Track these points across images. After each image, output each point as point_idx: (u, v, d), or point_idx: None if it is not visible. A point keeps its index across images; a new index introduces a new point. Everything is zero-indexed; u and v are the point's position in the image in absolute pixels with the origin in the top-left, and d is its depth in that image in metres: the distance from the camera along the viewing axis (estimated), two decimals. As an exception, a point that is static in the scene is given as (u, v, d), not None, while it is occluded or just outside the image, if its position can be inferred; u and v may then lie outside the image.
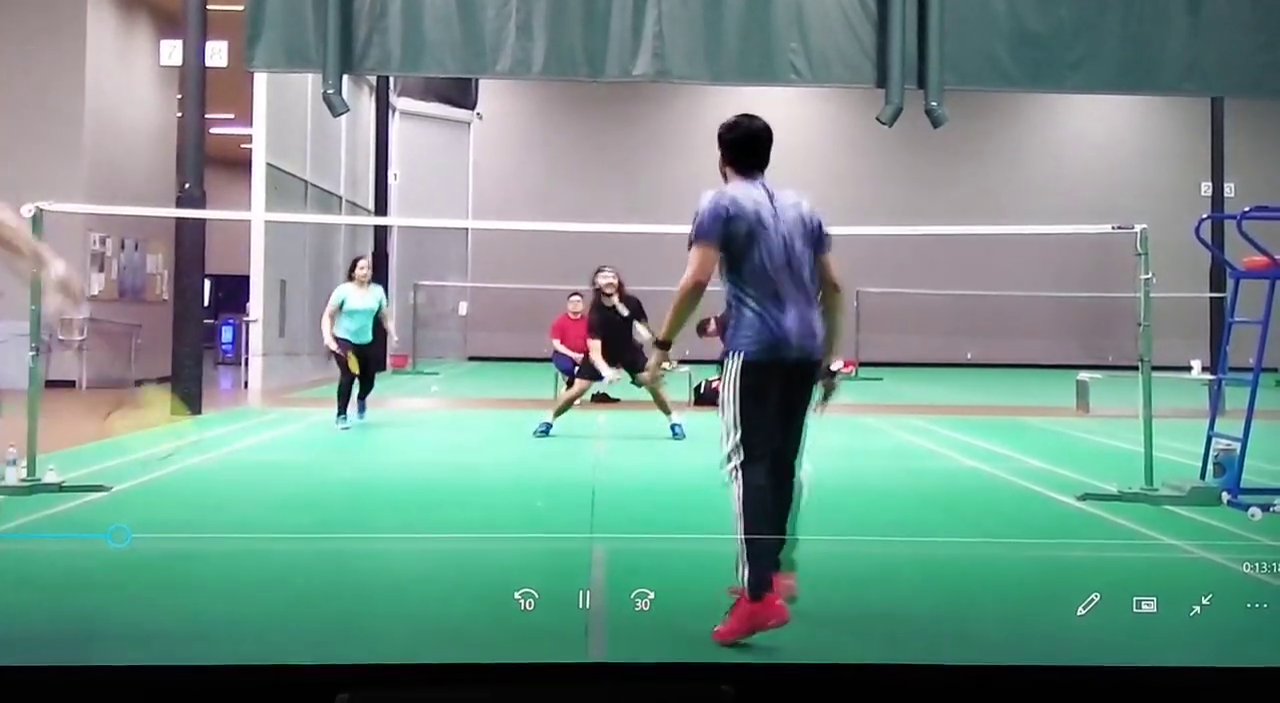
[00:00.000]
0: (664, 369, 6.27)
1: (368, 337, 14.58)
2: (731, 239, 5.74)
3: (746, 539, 5.49)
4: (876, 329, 28.89)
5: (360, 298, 14.46)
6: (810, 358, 5.79)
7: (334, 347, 14.33)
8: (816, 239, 5.94)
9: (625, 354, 13.24)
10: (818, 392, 5.94)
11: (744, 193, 5.84)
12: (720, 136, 6.03)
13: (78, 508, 8.67)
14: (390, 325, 15.09)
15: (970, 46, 17.08)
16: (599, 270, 13.71)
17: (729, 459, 5.66)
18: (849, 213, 30.43)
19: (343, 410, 14.49)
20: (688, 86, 28.75)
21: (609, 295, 13.45)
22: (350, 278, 14.69)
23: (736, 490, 5.59)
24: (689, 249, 5.79)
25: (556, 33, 16.91)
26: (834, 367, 6.01)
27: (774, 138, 6.04)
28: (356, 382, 14.55)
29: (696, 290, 5.74)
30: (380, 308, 14.67)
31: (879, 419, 12.99)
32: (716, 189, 5.89)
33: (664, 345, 6.04)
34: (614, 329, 13.36)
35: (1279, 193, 23.89)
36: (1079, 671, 4.12)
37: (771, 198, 5.89)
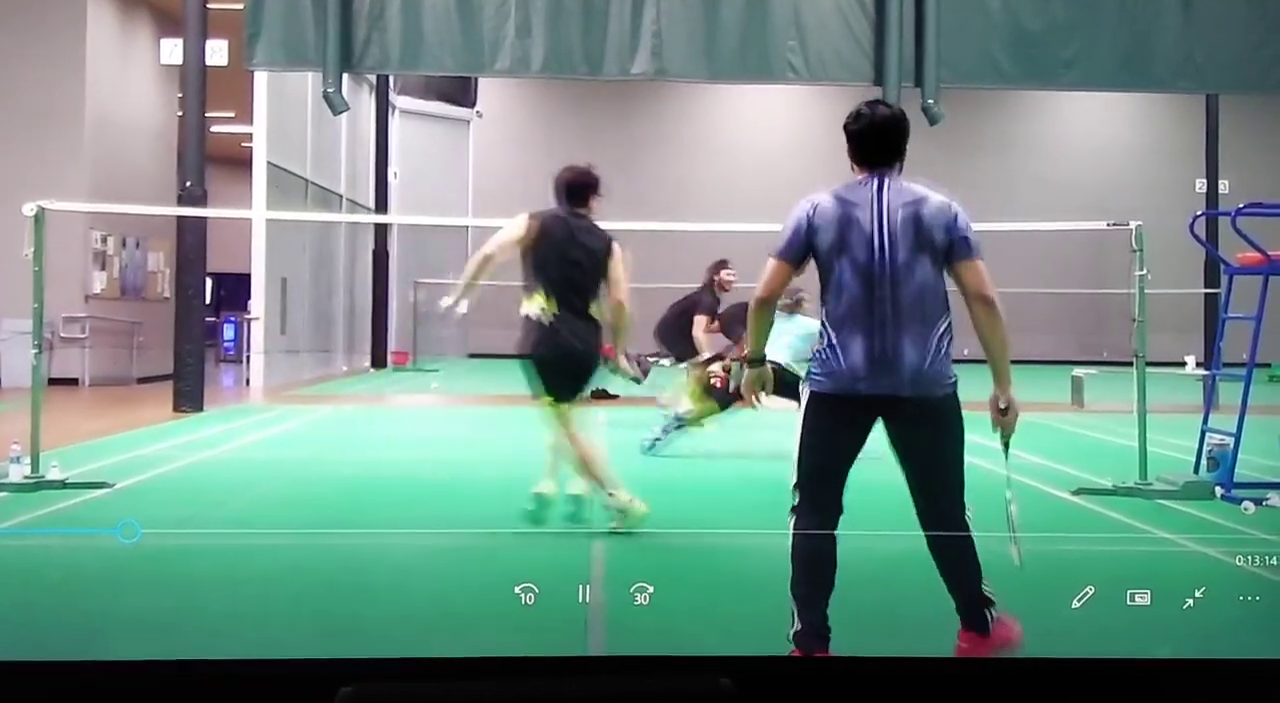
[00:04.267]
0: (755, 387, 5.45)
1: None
2: (816, 252, 5.09)
3: (791, 589, 5.08)
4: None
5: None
6: (901, 395, 5.03)
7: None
8: (944, 245, 5.07)
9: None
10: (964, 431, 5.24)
11: (839, 197, 5.12)
12: (844, 127, 5.27)
13: (81, 505, 8.72)
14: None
15: (966, 45, 17.14)
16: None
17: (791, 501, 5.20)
18: (847, 210, 30.47)
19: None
20: (686, 85, 28.79)
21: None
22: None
23: (790, 537, 5.16)
24: None
25: (555, 32, 16.97)
26: (1001, 402, 5.20)
27: (904, 128, 5.25)
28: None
29: (759, 306, 5.21)
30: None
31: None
32: (810, 195, 5.21)
33: (754, 362, 5.39)
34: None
35: (1273, 189, 23.88)
36: (1073, 663, 4.15)
37: (880, 197, 5.10)
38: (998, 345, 5.12)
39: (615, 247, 7.94)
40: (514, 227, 7.87)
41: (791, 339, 11.57)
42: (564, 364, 7.74)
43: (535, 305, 7.76)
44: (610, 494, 7.66)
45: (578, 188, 7.98)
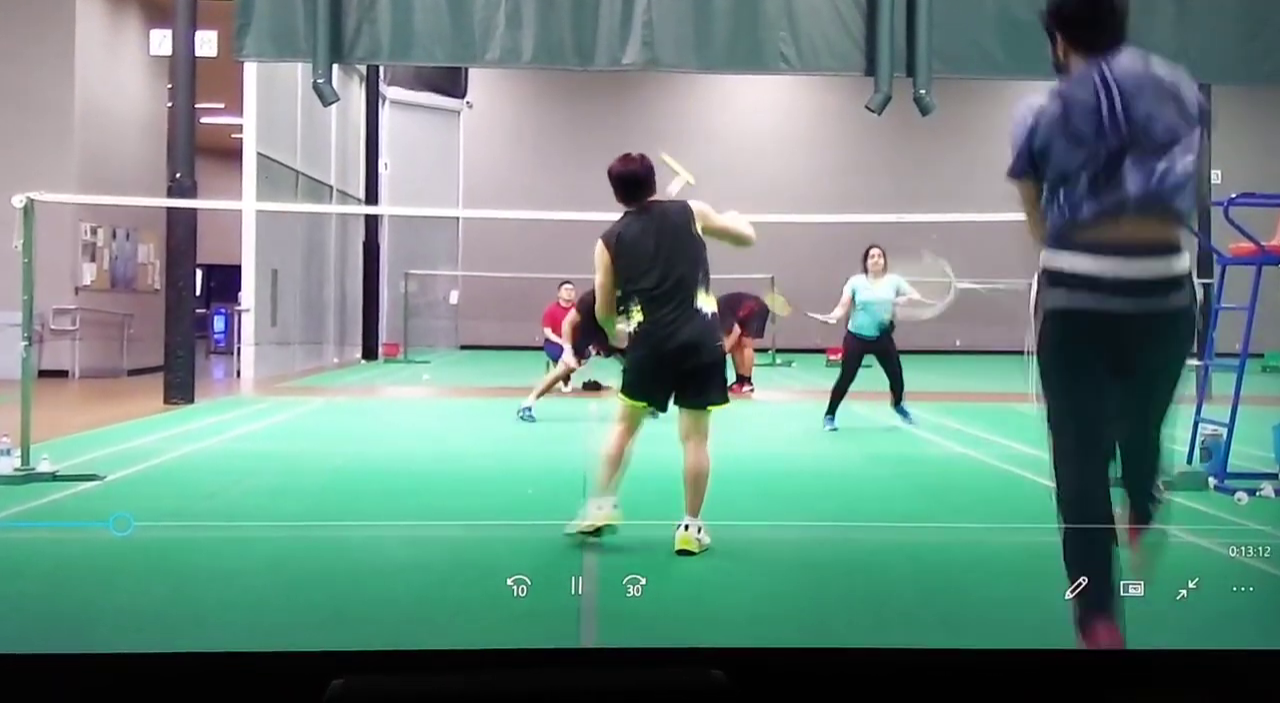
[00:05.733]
0: None
1: (876, 331, 13.57)
2: (1045, 154, 4.44)
3: (1066, 559, 4.63)
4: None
5: (872, 289, 13.65)
6: (1165, 300, 4.26)
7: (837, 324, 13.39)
8: (1192, 114, 4.28)
9: None
10: None
11: (1060, 90, 4.48)
12: (1050, 15, 4.56)
13: (71, 497, 8.70)
14: (906, 297, 13.82)
15: (958, 34, 17.10)
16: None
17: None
18: (838, 200, 30.52)
19: (831, 411, 13.43)
20: (677, 75, 28.79)
21: None
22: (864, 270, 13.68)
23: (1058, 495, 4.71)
24: None
25: (545, 22, 16.91)
26: None
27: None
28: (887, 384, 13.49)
29: (1030, 233, 4.56)
30: (898, 294, 13.69)
31: (867, 406, 13.03)
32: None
33: None
34: None
35: (1265, 180, 23.89)
36: (1066, 654, 4.14)
37: (1106, 74, 4.35)
38: None
39: (693, 205, 7.30)
40: (598, 258, 7.21)
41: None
42: (674, 364, 7.07)
43: (633, 322, 7.06)
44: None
45: (630, 181, 7.30)
